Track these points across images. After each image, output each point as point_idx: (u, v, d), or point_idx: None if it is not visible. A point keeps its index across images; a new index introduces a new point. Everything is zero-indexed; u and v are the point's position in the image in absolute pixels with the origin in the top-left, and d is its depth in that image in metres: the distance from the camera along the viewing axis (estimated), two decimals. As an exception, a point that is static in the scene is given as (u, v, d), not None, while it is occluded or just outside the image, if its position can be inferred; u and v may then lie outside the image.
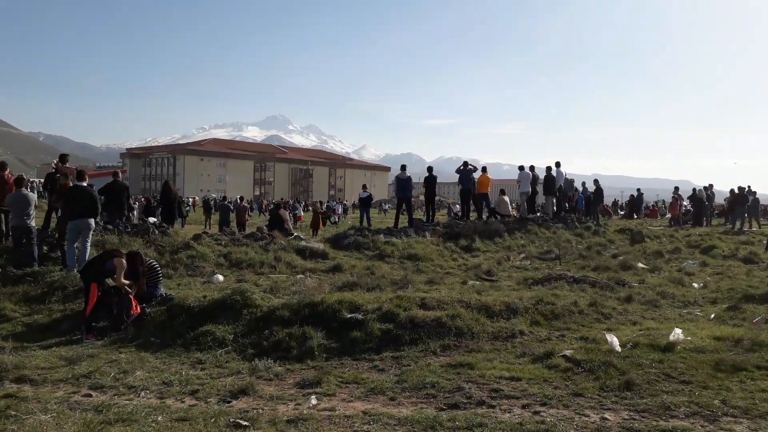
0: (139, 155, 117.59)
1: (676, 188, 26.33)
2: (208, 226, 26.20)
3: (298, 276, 10.75)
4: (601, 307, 8.00)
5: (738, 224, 21.02)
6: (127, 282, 7.73)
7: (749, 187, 21.68)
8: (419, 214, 26.47)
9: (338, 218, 35.54)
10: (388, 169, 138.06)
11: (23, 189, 10.81)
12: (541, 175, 19.64)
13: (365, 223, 19.00)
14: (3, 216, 11.40)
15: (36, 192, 22.17)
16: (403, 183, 16.99)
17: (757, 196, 22.03)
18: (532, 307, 7.52)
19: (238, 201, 24.10)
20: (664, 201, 37.68)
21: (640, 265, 12.75)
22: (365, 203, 21.28)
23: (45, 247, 11.09)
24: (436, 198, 23.98)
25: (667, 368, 5.31)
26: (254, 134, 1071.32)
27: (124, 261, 7.81)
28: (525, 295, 8.17)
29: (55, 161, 13.62)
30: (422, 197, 24.34)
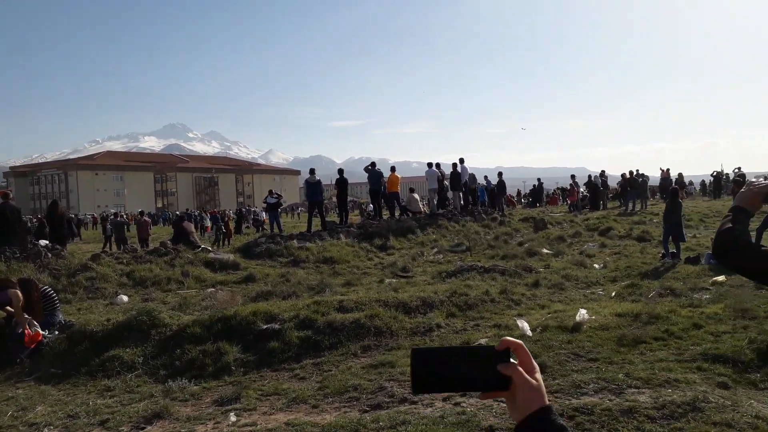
0: (25, 173, 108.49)
1: (573, 176, 27.96)
2: (108, 245, 24.64)
3: (209, 290, 10.35)
4: (511, 294, 8.34)
5: (630, 206, 22.69)
6: (27, 316, 7.09)
7: (638, 170, 23.47)
8: (332, 216, 26.38)
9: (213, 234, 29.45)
10: (297, 172, 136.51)
11: None
12: (447, 171, 20.19)
13: (276, 230, 18.64)
14: None
15: None
16: (313, 186, 16.86)
17: (645, 178, 23.83)
18: (447, 300, 7.70)
19: (138, 215, 22.85)
20: (563, 188, 39.97)
21: (545, 250, 13.42)
22: (273, 208, 20.87)
23: None
24: (349, 199, 24.03)
25: (575, 348, 5.62)
26: (152, 144, 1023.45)
27: (18, 292, 7.15)
28: (440, 289, 8.35)
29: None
30: (334, 199, 24.29)
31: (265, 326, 6.54)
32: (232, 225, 28.54)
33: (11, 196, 13.60)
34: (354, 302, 7.30)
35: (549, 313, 7.15)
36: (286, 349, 6.21)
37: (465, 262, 11.99)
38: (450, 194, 21.34)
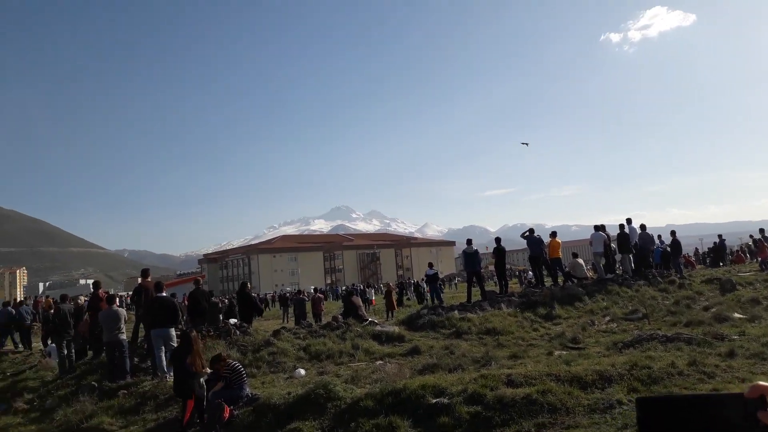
0: (216, 259, 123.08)
1: (762, 230, 24.67)
2: (285, 320, 26.68)
3: (378, 363, 10.65)
4: (702, 366, 7.43)
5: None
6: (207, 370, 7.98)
7: None
8: (491, 286, 25.95)
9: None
10: (452, 243, 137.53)
11: (114, 306, 11.52)
12: (612, 233, 19.01)
13: (436, 301, 18.80)
14: (98, 332, 12.11)
15: (124, 306, 23.37)
16: (470, 257, 16.87)
17: None
18: (626, 373, 7.08)
19: (312, 292, 24.51)
20: (749, 244, 35.29)
21: (737, 315, 11.85)
22: (433, 280, 21.14)
23: (136, 359, 11.60)
24: (507, 267, 23.55)
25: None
26: (321, 226, 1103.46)
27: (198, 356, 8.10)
28: (617, 361, 7.73)
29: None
30: (491, 267, 23.95)
31: (434, 401, 6.54)
32: (394, 297, 29.33)
33: (201, 282, 15.58)
34: (523, 376, 7.03)
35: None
36: (456, 424, 6.12)
37: (643, 330, 11.00)
38: (618, 257, 19.95)
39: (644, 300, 15.36)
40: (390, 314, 22.15)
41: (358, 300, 17.66)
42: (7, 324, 17.96)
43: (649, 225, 20.42)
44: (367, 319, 15.17)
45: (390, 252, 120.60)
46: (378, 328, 13.60)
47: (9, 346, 18.17)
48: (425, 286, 27.77)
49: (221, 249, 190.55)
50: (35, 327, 19.82)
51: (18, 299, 32.86)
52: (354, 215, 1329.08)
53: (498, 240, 18.16)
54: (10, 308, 18.64)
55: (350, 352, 11.75)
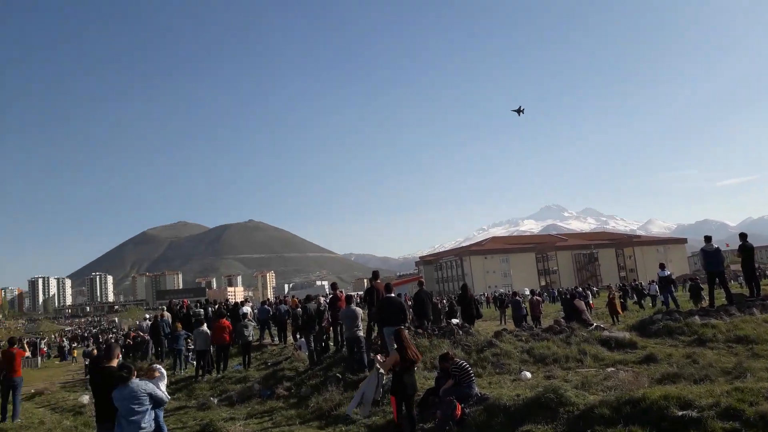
0: (430, 261, 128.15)
1: None
2: (503, 322, 26.74)
3: (608, 369, 10.14)
4: None
5: None
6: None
7: None
8: (735, 287, 22.72)
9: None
10: (683, 240, 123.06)
11: (352, 305, 12.83)
12: None
13: (671, 305, 17.13)
14: (339, 329, 13.61)
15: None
16: (711, 255, 15.01)
17: None
18: None
19: (529, 294, 24.19)
20: None
21: None
22: (666, 283, 19.29)
23: (372, 354, 12.73)
24: (756, 266, 20.38)
25: None
26: (530, 227, 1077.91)
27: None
28: None
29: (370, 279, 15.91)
30: (732, 267, 20.99)
31: (680, 413, 6.07)
32: (617, 302, 27.43)
33: (424, 283, 16.44)
34: (791, 392, 6.14)
35: None
36: (709, 440, 5.62)
37: None
38: None
39: None
40: (615, 319, 20.81)
41: (581, 303, 16.97)
42: (266, 320, 21.09)
43: None
44: (593, 324, 14.51)
45: (609, 252, 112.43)
46: (606, 333, 12.94)
47: (267, 339, 21.30)
48: (655, 288, 25.47)
49: (434, 251, 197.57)
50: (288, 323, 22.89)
51: (269, 298, 38.26)
52: (566, 214, 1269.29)
53: (743, 236, 15.84)
54: (267, 306, 21.86)
55: (577, 357, 11.38)
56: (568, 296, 19.91)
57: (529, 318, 21.32)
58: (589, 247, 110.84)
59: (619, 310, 24.35)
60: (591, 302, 31.44)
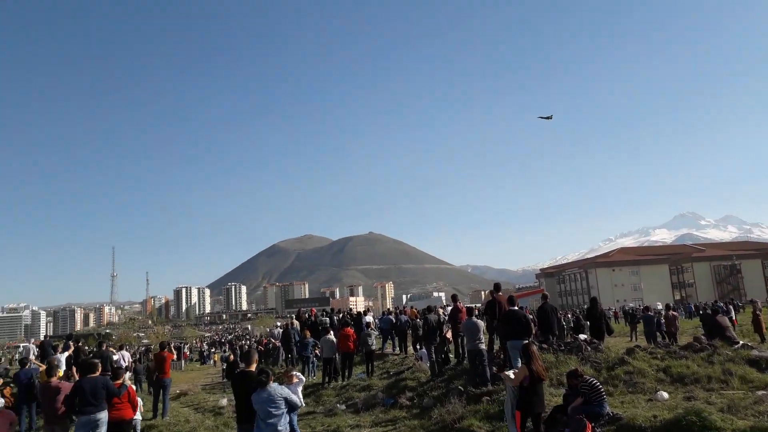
0: (552, 274, 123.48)
1: None
2: (634, 338, 25.15)
3: (759, 392, 9.22)
4: None
5: None
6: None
7: None
8: None
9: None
10: None
11: (473, 317, 12.79)
12: None
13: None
14: (460, 341, 13.60)
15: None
16: None
17: None
18: None
19: (663, 309, 22.52)
20: None
21: None
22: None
23: (494, 368, 12.57)
24: None
25: None
26: (663, 236, 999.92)
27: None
28: None
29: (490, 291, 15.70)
30: None
31: None
32: (762, 317, 24.66)
33: (548, 297, 15.92)
34: None
35: None
36: None
37: None
38: None
39: None
40: (762, 337, 18.78)
41: (725, 319, 15.53)
42: (389, 329, 21.56)
43: None
44: (739, 342, 13.23)
45: (754, 263, 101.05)
46: (755, 352, 11.74)
47: (388, 348, 21.75)
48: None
49: (556, 263, 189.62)
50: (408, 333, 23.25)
51: (389, 308, 39.02)
52: (703, 222, 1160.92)
53: None
54: (390, 316, 22.36)
55: (721, 377, 10.44)
56: (709, 311, 18.25)
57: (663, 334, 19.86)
58: (731, 258, 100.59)
59: (765, 328, 21.92)
60: (734, 318, 28.56)
